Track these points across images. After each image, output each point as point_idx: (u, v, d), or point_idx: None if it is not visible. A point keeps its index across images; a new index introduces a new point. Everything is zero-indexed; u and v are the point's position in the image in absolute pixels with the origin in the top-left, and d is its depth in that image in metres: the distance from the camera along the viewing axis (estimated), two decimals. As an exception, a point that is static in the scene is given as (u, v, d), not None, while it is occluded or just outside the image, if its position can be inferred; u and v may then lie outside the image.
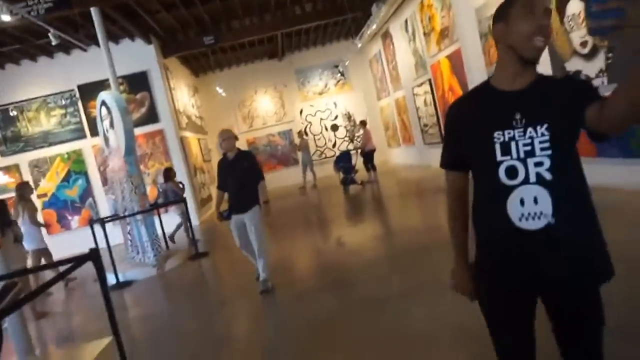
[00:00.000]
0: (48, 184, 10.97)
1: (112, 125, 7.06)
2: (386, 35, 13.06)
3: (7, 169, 10.90)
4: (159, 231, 7.59)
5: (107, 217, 7.54)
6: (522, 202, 1.30)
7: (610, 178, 4.89)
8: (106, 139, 7.48)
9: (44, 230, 7.29)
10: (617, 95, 1.16)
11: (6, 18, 6.76)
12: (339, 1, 11.81)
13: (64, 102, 10.97)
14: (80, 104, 10.93)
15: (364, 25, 11.60)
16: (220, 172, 4.71)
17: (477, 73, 7.54)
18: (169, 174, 8.57)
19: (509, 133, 1.31)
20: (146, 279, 6.50)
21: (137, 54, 10.83)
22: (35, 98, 10.91)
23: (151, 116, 11.03)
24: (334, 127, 16.63)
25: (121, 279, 6.42)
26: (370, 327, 3.28)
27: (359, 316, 3.51)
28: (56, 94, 10.94)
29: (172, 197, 8.27)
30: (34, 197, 10.71)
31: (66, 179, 10.99)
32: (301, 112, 16.60)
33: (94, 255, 2.69)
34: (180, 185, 8.70)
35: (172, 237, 8.57)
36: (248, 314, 4.23)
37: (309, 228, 8.13)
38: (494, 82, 1.39)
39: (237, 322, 4.13)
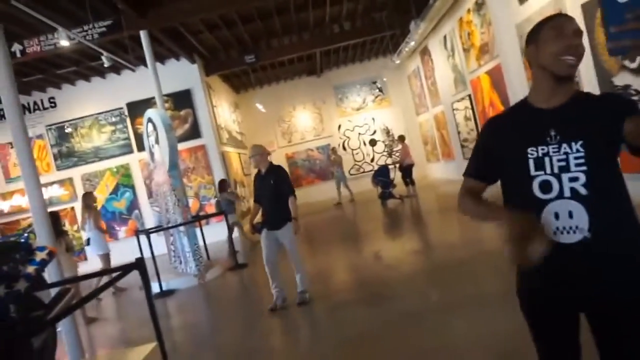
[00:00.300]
0: (98, 196, 11.53)
1: (157, 141, 7.39)
2: (425, 52, 13.05)
3: (61, 182, 11.56)
4: (200, 242, 7.81)
5: (151, 228, 7.85)
6: (556, 216, 1.32)
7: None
8: (152, 154, 7.83)
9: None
10: None
11: (65, 43, 7.25)
12: (377, 19, 11.94)
13: (113, 119, 11.57)
14: (128, 120, 11.49)
15: (402, 42, 11.64)
16: (255, 186, 4.82)
17: (519, 88, 7.41)
18: (223, 185, 8.95)
19: (543, 149, 1.35)
20: (188, 288, 6.70)
21: (182, 73, 11.30)
22: (88, 116, 11.56)
23: (194, 132, 11.43)
24: (372, 142, 16.65)
25: (164, 287, 6.64)
26: (409, 341, 3.25)
27: (397, 330, 3.49)
28: (107, 111, 11.55)
29: (225, 207, 8.51)
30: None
31: (115, 191, 11.51)
32: (339, 127, 16.73)
33: (139, 264, 2.83)
34: (233, 194, 9.09)
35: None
36: (285, 326, 4.29)
37: (346, 242, 8.14)
38: (531, 100, 1.43)
39: (274, 334, 4.20)
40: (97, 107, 11.56)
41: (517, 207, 1.41)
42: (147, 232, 6.90)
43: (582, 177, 1.29)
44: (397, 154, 14.33)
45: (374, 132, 16.65)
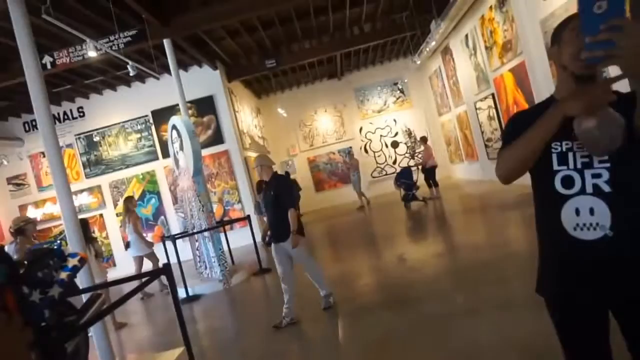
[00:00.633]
0: (125, 203, 11.80)
1: (181, 147, 7.52)
2: (446, 51, 12.91)
3: (90, 190, 11.87)
4: (225, 247, 7.90)
5: (177, 234, 7.98)
6: (577, 211, 1.32)
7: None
8: (176, 161, 7.97)
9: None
10: None
11: (93, 54, 7.47)
12: (397, 20, 11.89)
13: (139, 127, 11.83)
14: (153, 128, 11.73)
15: (423, 42, 11.55)
16: (262, 197, 4.78)
17: (544, 85, 7.25)
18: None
19: (567, 144, 1.35)
20: (213, 293, 6.78)
21: (204, 80, 11.48)
22: (115, 124, 11.86)
23: (217, 137, 11.59)
24: (394, 144, 16.55)
25: (190, 293, 6.74)
26: (433, 344, 3.23)
27: (421, 333, 3.47)
28: (133, 119, 11.82)
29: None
30: (112, 214, 11.65)
31: (141, 198, 11.76)
32: (361, 129, 16.69)
33: (167, 270, 2.88)
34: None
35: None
36: (310, 330, 4.29)
37: (370, 245, 8.10)
38: (556, 96, 1.44)
39: (299, 338, 4.20)
40: (123, 116, 11.84)
41: (542, 204, 1.45)
42: (174, 238, 7.01)
43: (605, 174, 1.29)
44: (420, 156, 14.21)
45: (396, 134, 16.55)
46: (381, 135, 16.63)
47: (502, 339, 3.00)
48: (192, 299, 6.59)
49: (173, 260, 6.40)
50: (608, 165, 1.29)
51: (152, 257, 7.60)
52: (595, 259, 1.28)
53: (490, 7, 9.01)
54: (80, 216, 5.29)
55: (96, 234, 11.17)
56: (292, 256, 4.38)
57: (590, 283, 1.32)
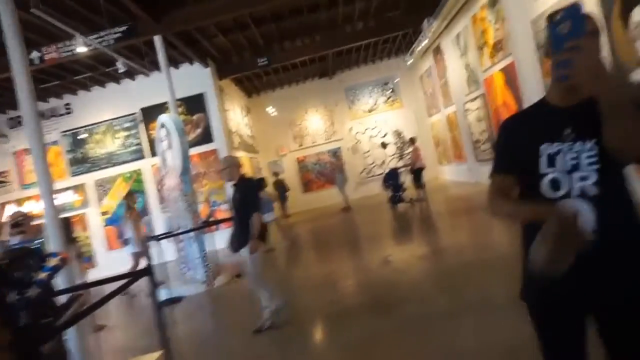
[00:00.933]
0: (110, 202, 11.62)
1: (170, 146, 7.40)
2: (437, 51, 12.92)
3: (75, 188, 11.67)
4: (211, 248, 7.78)
5: (161, 234, 7.85)
6: None
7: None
8: (164, 159, 7.85)
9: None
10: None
11: (82, 49, 7.32)
12: (389, 18, 11.86)
13: (127, 125, 11.67)
14: (142, 126, 11.57)
15: (415, 41, 11.54)
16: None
17: (533, 85, 7.26)
18: (260, 184, 8.90)
19: (557, 146, 1.34)
20: (196, 295, 6.67)
21: (195, 77, 11.35)
22: (103, 122, 11.67)
23: (206, 136, 11.46)
24: (384, 145, 16.53)
25: (173, 294, 6.63)
26: (417, 346, 3.20)
27: (405, 335, 3.43)
28: (121, 117, 11.65)
29: (266, 204, 8.46)
30: (96, 213, 11.46)
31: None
32: (350, 129, 16.66)
33: (149, 271, 2.80)
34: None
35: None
36: (293, 333, 4.22)
37: (355, 246, 8.06)
38: (548, 98, 1.43)
39: (281, 341, 4.13)
40: (111, 113, 11.67)
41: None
42: (157, 239, 6.89)
43: (593, 176, 1.29)
44: (409, 157, 14.22)
45: (385, 134, 16.55)
46: (371, 136, 16.61)
47: (484, 342, 2.99)
48: (174, 300, 6.47)
49: (159, 260, 6.28)
50: (596, 167, 1.29)
51: (139, 256, 7.46)
52: (579, 262, 1.24)
53: (482, 6, 9.01)
54: (63, 215, 5.18)
55: (78, 233, 10.98)
56: (249, 264, 4.14)
57: (573, 287, 1.31)
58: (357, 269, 6.22)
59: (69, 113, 11.73)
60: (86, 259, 10.61)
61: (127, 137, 11.68)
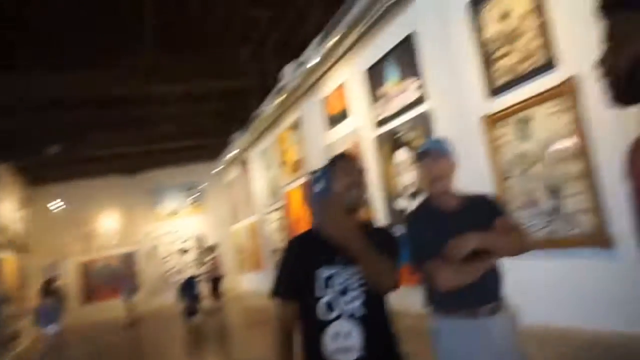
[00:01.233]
0: None
1: None
2: (245, 162, 13.60)
3: None
4: None
5: None
6: (336, 336, 1.41)
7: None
8: None
9: None
10: None
11: None
12: (201, 125, 12.22)
13: None
14: None
15: (224, 150, 12.02)
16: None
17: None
18: (49, 287, 7.63)
19: (331, 270, 1.48)
20: None
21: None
22: None
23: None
24: (183, 251, 15.83)
25: None
26: None
27: None
28: None
29: (49, 313, 7.16)
30: None
31: None
32: (150, 233, 15.60)
33: None
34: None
35: None
36: None
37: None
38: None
39: None
40: None
41: (308, 329, 1.51)
42: None
43: (360, 298, 1.45)
44: (208, 265, 13.86)
45: (187, 239, 15.98)
46: (171, 241, 15.80)
47: None
48: None
49: None
50: (362, 290, 1.45)
51: None
52: None
53: (287, 128, 10.08)
54: None
55: None
56: None
57: None
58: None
59: None
60: None
61: None
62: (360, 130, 6.90)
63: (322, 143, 8.14)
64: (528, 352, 1.97)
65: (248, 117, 9.87)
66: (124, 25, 6.68)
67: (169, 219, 15.93)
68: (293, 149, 9.92)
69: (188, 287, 10.51)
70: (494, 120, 4.47)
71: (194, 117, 11.61)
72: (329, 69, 6.97)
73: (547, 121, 3.95)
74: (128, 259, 15.00)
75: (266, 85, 8.69)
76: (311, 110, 8.52)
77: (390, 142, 6.17)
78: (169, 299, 13.39)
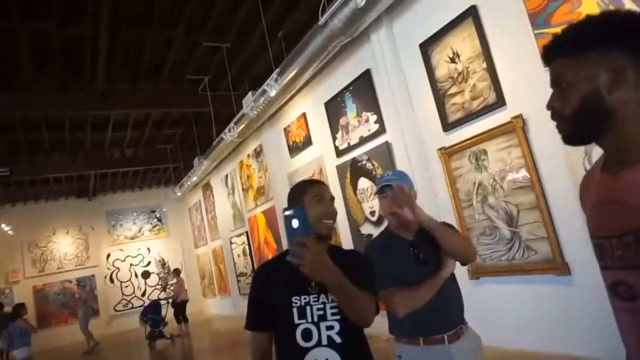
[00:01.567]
0: None
1: None
2: (207, 187, 13.47)
3: None
4: None
5: None
6: None
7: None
8: None
9: None
10: None
11: None
12: (161, 150, 12.03)
13: None
14: None
15: (185, 175, 11.87)
16: None
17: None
18: (19, 310, 7.34)
19: (305, 298, 1.46)
20: None
21: None
22: None
23: None
24: (145, 274, 15.40)
25: None
26: None
27: None
28: None
29: (19, 336, 7.07)
30: None
31: None
32: (108, 256, 15.10)
33: None
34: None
35: None
36: None
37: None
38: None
39: None
40: None
41: (282, 355, 1.50)
42: None
43: (337, 326, 1.44)
44: (172, 288, 13.53)
45: (148, 263, 15.56)
46: (132, 264, 15.35)
47: None
48: None
49: None
50: (339, 317, 1.44)
51: None
52: None
53: (249, 155, 10.09)
54: None
55: None
56: None
57: None
58: None
59: None
60: None
61: None
62: (322, 158, 7.00)
63: (285, 170, 8.19)
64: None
65: (208, 143, 9.81)
66: (79, 49, 6.55)
67: (129, 242, 15.47)
68: (255, 176, 9.92)
69: (151, 311, 10.23)
70: (450, 153, 4.67)
71: (152, 142, 11.41)
72: (289, 99, 7.07)
73: (499, 155, 4.16)
74: (86, 283, 14.41)
75: (226, 113, 8.70)
76: (273, 138, 8.57)
77: (353, 170, 6.30)
78: (132, 323, 12.94)
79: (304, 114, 7.40)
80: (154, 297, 14.37)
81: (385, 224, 2.14)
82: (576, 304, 3.66)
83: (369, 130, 5.89)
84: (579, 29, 0.92)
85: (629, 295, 0.87)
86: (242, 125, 7.45)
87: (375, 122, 5.78)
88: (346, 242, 6.56)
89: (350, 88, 6.15)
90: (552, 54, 0.96)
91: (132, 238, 15.60)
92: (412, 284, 1.84)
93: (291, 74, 5.60)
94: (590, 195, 0.99)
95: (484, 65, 4.17)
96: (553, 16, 3.54)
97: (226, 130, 7.93)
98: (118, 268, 15.13)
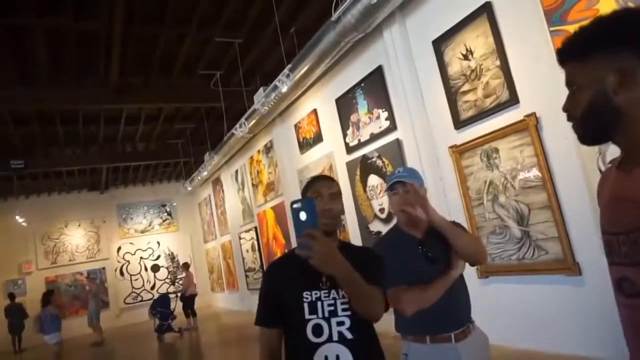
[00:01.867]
0: None
1: None
2: (217, 182, 13.55)
3: None
4: None
5: None
6: (326, 359, 1.41)
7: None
8: None
9: None
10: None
11: None
12: (172, 145, 12.12)
13: None
14: None
15: (196, 170, 11.94)
16: None
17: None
18: (49, 297, 7.65)
19: (316, 293, 1.47)
20: None
21: None
22: None
23: None
24: (155, 268, 15.55)
25: None
26: None
27: None
28: None
29: (50, 322, 7.31)
30: None
31: None
32: (119, 249, 15.27)
33: None
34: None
35: None
36: None
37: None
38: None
39: None
40: None
41: (295, 353, 1.50)
42: None
43: (347, 322, 1.43)
44: (181, 282, 13.64)
45: (158, 257, 15.71)
46: (142, 257, 15.50)
47: None
48: None
49: None
50: (349, 313, 1.43)
51: None
52: None
53: (259, 151, 10.12)
54: None
55: None
56: None
57: None
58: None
59: None
60: None
61: None
62: (332, 155, 7.01)
63: (295, 166, 8.20)
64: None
65: (219, 138, 9.85)
66: (94, 44, 6.62)
67: (139, 236, 15.63)
68: (265, 172, 9.95)
69: (160, 305, 10.33)
70: (461, 151, 4.64)
71: (163, 136, 11.50)
72: (300, 95, 7.07)
73: (511, 153, 4.13)
74: (97, 275, 14.59)
75: (237, 108, 8.73)
76: (283, 134, 8.59)
77: (363, 167, 6.29)
78: (141, 316, 13.10)
79: (314, 110, 7.40)
80: (163, 290, 14.50)
81: (394, 221, 2.14)
82: (587, 305, 3.63)
83: (380, 127, 5.88)
84: (587, 31, 0.93)
85: (632, 292, 0.88)
86: (253, 121, 7.47)
87: (386, 119, 5.76)
88: (355, 239, 6.56)
89: (362, 84, 6.14)
90: (563, 57, 0.97)
91: (142, 232, 15.75)
92: (421, 282, 1.84)
93: (303, 69, 5.59)
94: (605, 192, 1.00)
95: (498, 62, 4.13)
96: (569, 13, 3.50)
97: (237, 125, 7.96)
98: (128, 261, 15.30)
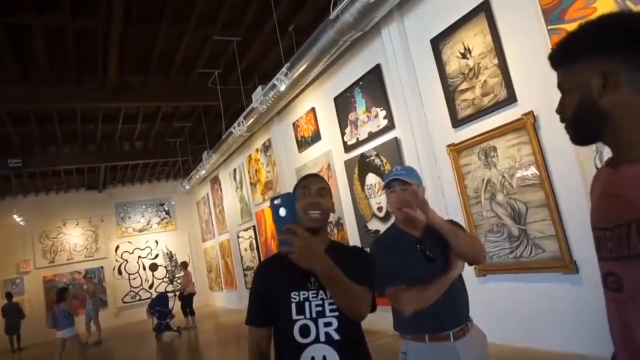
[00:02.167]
0: None
1: None
2: (215, 181, 13.54)
3: None
4: None
5: None
6: None
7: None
8: None
9: None
10: None
11: None
12: (170, 144, 12.11)
13: None
14: None
15: (194, 169, 11.93)
16: None
17: (296, 224, 8.18)
18: (63, 294, 7.76)
19: (304, 294, 1.46)
20: None
21: None
22: None
23: None
24: (153, 267, 15.53)
25: None
26: None
27: None
28: None
29: (63, 318, 7.51)
30: None
31: None
32: (117, 248, 15.26)
33: None
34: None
35: None
36: None
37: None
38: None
39: None
40: None
41: (283, 354, 1.50)
42: None
43: (335, 322, 1.43)
44: (179, 281, 13.64)
45: (156, 255, 15.69)
46: (140, 256, 15.49)
47: None
48: None
49: None
50: (337, 314, 1.43)
51: None
52: None
53: (257, 149, 10.12)
54: None
55: None
56: None
57: None
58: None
59: None
60: None
61: None
62: (330, 153, 7.01)
63: (293, 165, 8.21)
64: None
65: (217, 137, 9.85)
66: (92, 43, 6.61)
67: (137, 235, 15.61)
68: (264, 171, 9.95)
69: (159, 304, 10.33)
70: (459, 149, 4.65)
71: (161, 135, 11.49)
72: (299, 94, 7.08)
73: (508, 152, 4.15)
74: (93, 275, 14.56)
75: (235, 107, 8.72)
76: (282, 133, 8.59)
77: (361, 166, 6.30)
78: (139, 315, 13.09)
79: (313, 109, 7.40)
80: (161, 289, 14.50)
81: (392, 220, 2.15)
82: (584, 303, 3.64)
83: (378, 126, 5.89)
84: (573, 37, 0.96)
85: (616, 286, 0.90)
86: (251, 120, 7.47)
87: (384, 118, 5.77)
88: (353, 237, 6.57)
89: (360, 83, 6.15)
90: (554, 62, 1.01)
91: (140, 230, 15.74)
92: (419, 281, 1.85)
93: (301, 68, 5.60)
94: (595, 189, 1.03)
95: (496, 61, 4.14)
96: (567, 12, 3.51)
97: (235, 124, 7.96)
98: (126, 260, 15.28)
